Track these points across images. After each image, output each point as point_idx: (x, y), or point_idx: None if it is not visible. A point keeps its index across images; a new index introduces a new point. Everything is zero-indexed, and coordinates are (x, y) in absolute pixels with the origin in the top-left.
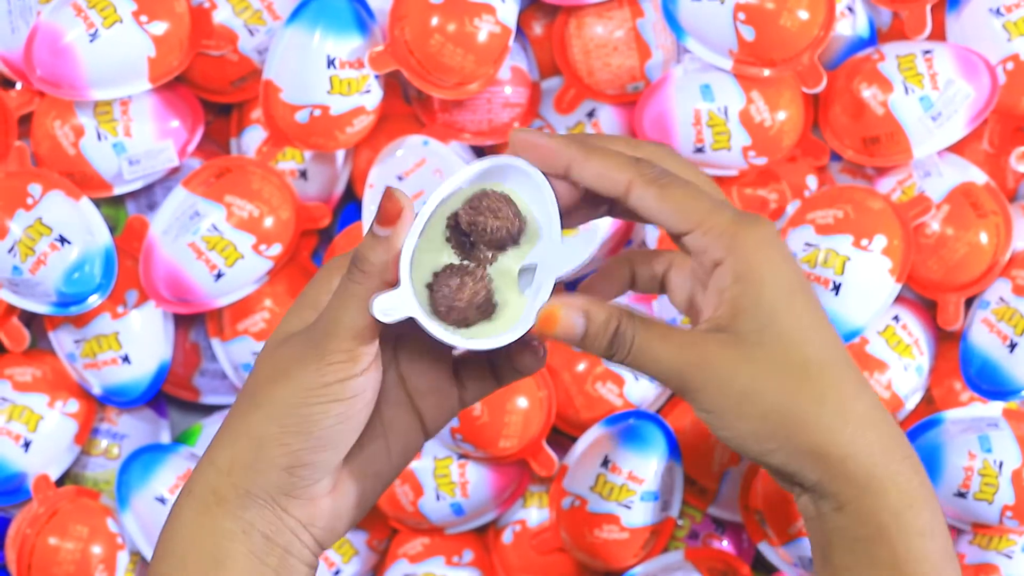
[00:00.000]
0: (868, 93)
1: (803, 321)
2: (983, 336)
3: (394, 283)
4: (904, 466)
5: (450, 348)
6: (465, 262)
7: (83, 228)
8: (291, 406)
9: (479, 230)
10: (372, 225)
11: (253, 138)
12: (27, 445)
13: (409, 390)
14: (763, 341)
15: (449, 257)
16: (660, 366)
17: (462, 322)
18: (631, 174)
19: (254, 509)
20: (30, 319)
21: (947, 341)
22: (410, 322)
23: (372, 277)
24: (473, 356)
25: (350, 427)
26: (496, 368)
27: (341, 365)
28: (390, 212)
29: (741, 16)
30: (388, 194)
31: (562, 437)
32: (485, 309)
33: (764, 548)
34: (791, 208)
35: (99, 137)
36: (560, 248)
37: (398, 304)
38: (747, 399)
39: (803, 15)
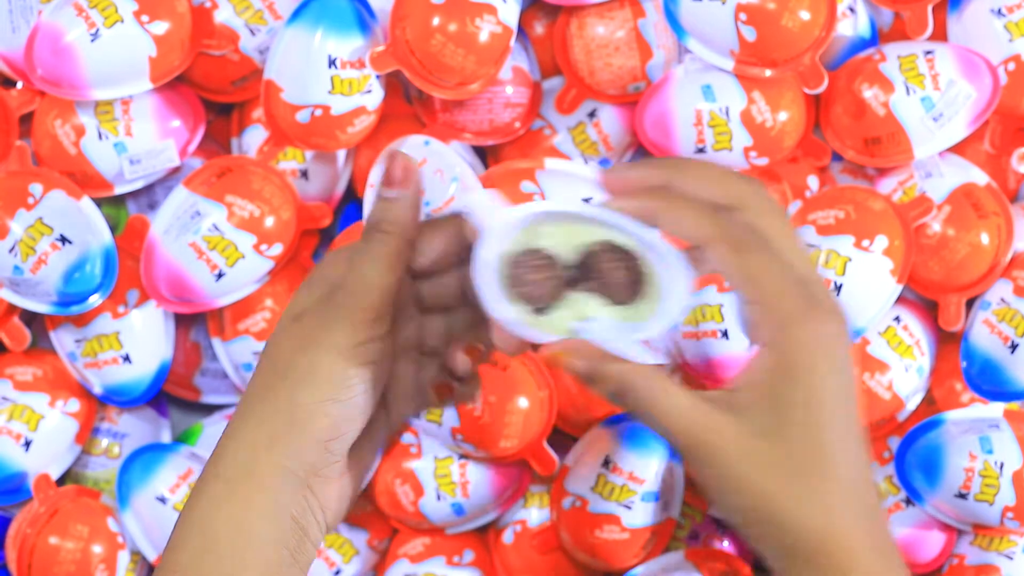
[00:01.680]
0: (869, 93)
1: (823, 433)
2: (984, 337)
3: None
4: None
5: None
6: (560, 268)
7: (84, 228)
8: (327, 373)
9: (596, 274)
10: (380, 189)
11: (254, 138)
12: (28, 444)
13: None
14: (773, 440)
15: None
16: (669, 434)
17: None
18: (712, 231)
19: (288, 490)
20: (31, 318)
21: (948, 342)
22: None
23: (394, 236)
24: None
25: (375, 394)
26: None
27: (371, 323)
28: (398, 175)
29: (742, 16)
30: (393, 156)
31: (563, 437)
32: (535, 300)
33: None
34: (792, 209)
35: (100, 137)
36: (632, 344)
37: (501, 223)
38: (742, 486)
39: (804, 15)
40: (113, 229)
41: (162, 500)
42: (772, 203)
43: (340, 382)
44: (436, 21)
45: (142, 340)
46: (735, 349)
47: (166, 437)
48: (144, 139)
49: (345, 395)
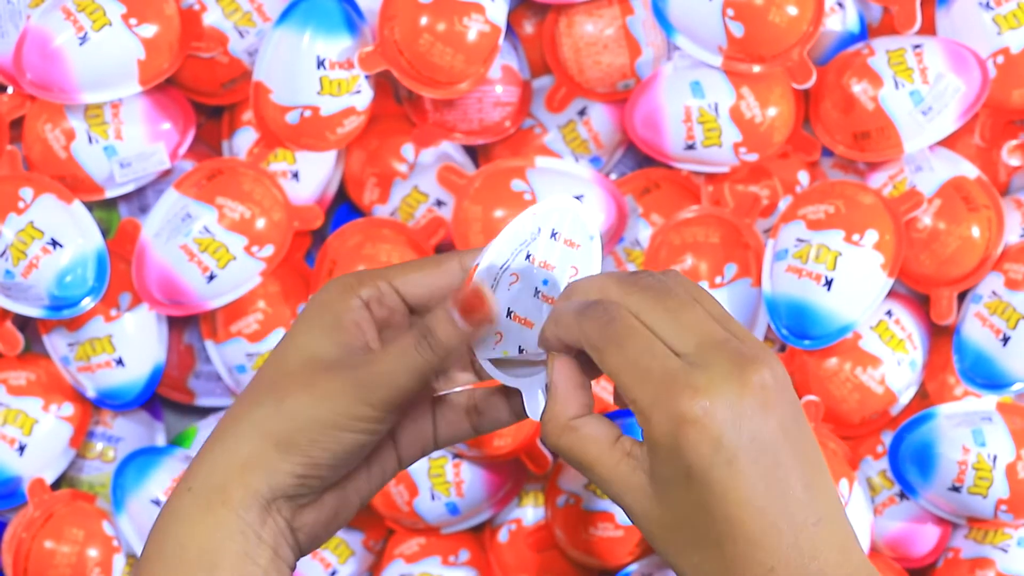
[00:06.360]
0: (858, 88)
1: (699, 501)
2: (976, 330)
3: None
4: None
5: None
6: None
7: (75, 231)
8: (327, 426)
9: None
10: (457, 312)
11: (245, 140)
12: (22, 449)
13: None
14: (663, 503)
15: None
16: (599, 481)
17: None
18: (576, 334)
19: (256, 510)
20: (24, 323)
21: (940, 335)
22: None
23: (440, 357)
24: (453, 400)
25: (364, 454)
26: (477, 415)
27: (384, 415)
28: (478, 315)
29: (730, 12)
30: (479, 295)
31: None
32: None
33: None
34: (783, 204)
35: (90, 140)
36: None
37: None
38: (652, 542)
39: (792, 11)
40: (104, 232)
41: (157, 503)
42: (635, 288)
43: (336, 439)
44: (424, 21)
45: (135, 343)
46: None
47: (160, 440)
48: (134, 142)
49: (335, 448)
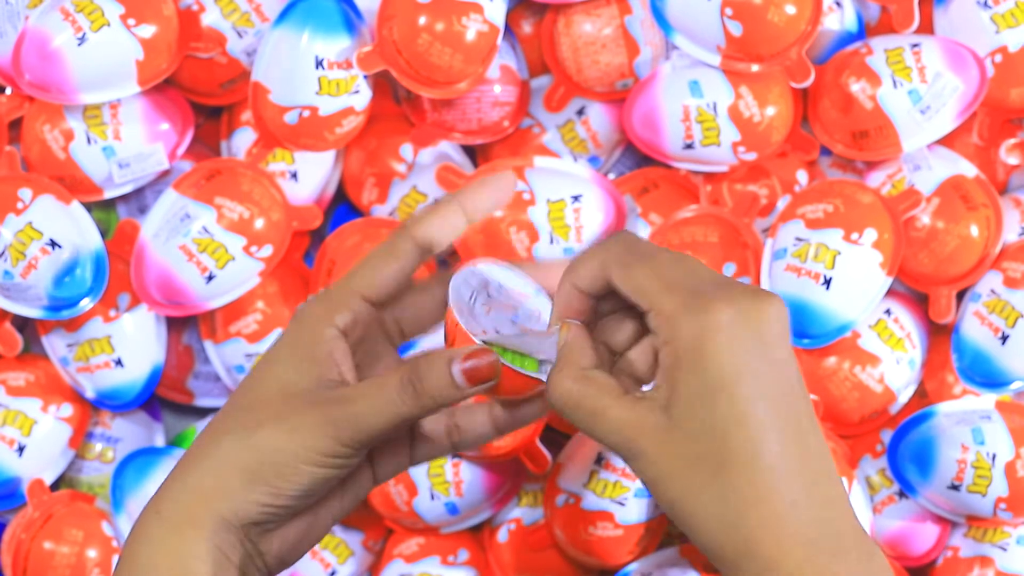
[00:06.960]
0: (856, 87)
1: (724, 416)
2: (975, 328)
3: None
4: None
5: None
6: None
7: (74, 232)
8: (294, 459)
9: None
10: (457, 371)
11: (244, 140)
12: (21, 450)
13: None
14: (684, 434)
15: None
16: (601, 433)
17: None
18: (602, 257)
19: (222, 534)
20: (23, 324)
21: (939, 334)
22: None
23: (426, 407)
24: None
25: (332, 485)
26: (457, 432)
27: (355, 452)
28: (481, 377)
29: (728, 12)
30: (487, 357)
31: (556, 435)
32: None
33: None
34: (781, 203)
35: (89, 141)
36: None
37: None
38: (664, 483)
39: (790, 10)
40: (103, 233)
41: None
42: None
43: (303, 473)
44: (423, 20)
45: (134, 344)
46: None
47: (160, 441)
48: (133, 143)
49: (302, 482)
